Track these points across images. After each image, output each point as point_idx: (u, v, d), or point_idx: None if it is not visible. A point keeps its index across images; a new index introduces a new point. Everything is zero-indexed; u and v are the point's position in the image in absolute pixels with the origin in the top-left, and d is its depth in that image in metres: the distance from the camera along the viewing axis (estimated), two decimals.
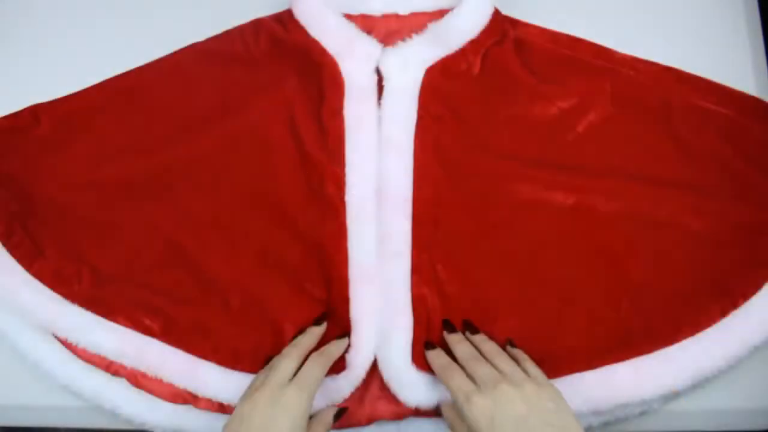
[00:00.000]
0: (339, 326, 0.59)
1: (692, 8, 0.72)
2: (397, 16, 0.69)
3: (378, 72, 0.66)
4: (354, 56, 0.66)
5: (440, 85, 0.66)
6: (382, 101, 0.65)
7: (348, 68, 0.65)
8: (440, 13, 0.68)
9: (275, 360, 0.54)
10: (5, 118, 0.66)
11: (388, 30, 0.69)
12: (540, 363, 0.56)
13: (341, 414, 0.55)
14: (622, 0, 0.73)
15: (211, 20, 0.70)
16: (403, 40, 0.67)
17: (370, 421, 0.59)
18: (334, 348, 0.56)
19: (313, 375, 0.51)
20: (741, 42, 0.71)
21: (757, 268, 0.59)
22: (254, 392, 0.49)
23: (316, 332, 0.57)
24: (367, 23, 0.69)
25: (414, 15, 0.69)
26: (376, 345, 0.59)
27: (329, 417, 0.53)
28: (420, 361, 0.58)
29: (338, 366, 0.57)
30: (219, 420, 0.59)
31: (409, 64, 0.66)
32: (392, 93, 0.65)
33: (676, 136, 0.64)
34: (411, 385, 0.58)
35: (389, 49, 0.66)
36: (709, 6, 0.72)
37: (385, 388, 0.59)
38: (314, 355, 0.54)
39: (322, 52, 0.66)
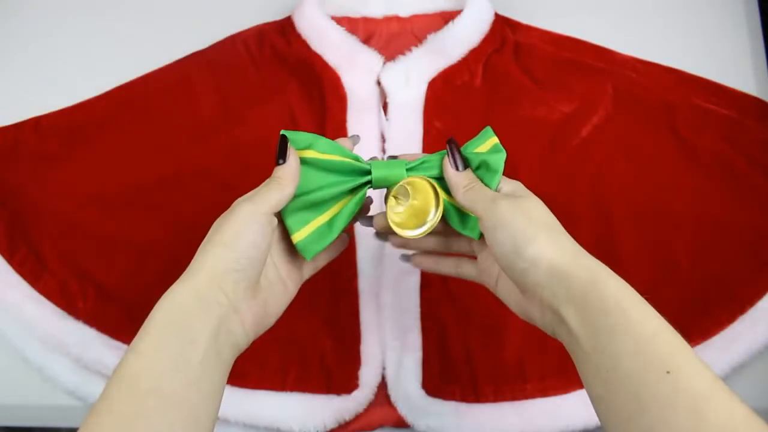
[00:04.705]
0: (347, 339, 0.59)
1: (692, 8, 0.72)
2: (398, 19, 0.69)
3: (380, 83, 0.65)
4: (355, 69, 0.65)
5: (443, 98, 0.65)
6: (388, 117, 0.64)
7: (349, 81, 0.65)
8: (441, 15, 0.68)
9: None
10: (7, 129, 0.65)
11: (389, 32, 0.68)
12: (543, 378, 0.56)
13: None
14: (623, 1, 0.73)
15: (211, 27, 0.70)
16: (403, 53, 0.66)
17: (374, 427, 0.59)
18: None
19: (267, 192, 0.46)
20: (741, 42, 0.71)
21: (761, 271, 0.59)
22: None
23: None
24: (368, 26, 0.68)
25: (415, 17, 0.69)
26: (386, 365, 0.58)
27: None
28: (429, 386, 0.57)
29: (351, 385, 0.57)
30: (220, 423, 0.58)
31: (411, 80, 0.65)
32: (396, 109, 0.64)
33: (678, 137, 0.64)
34: (420, 411, 0.56)
35: (389, 64, 0.65)
36: (709, 6, 0.72)
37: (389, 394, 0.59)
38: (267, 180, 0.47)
39: (324, 66, 0.65)
